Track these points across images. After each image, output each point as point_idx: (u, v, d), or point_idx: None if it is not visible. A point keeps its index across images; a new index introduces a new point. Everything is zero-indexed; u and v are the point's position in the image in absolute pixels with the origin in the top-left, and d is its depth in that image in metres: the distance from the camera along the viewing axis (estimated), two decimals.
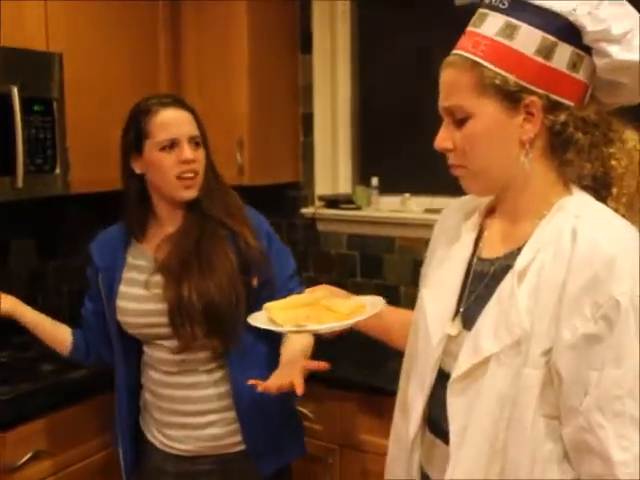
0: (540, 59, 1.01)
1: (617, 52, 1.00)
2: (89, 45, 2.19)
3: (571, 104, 1.03)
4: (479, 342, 1.03)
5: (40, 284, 2.51)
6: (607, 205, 1.07)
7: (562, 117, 1.03)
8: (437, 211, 2.40)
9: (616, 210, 1.06)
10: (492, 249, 1.13)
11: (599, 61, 1.02)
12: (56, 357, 1.81)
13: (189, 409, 1.62)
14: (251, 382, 1.43)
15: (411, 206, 2.62)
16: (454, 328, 1.11)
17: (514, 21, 1.02)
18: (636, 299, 0.93)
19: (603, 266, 0.94)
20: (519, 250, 1.05)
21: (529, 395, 0.98)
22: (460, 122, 1.06)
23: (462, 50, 1.06)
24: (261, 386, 1.42)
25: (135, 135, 1.60)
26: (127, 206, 1.66)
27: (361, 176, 2.83)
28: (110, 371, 1.75)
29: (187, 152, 1.57)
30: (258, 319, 1.30)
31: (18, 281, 2.43)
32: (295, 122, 2.79)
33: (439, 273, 1.19)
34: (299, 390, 1.39)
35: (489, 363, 1.02)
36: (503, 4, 1.03)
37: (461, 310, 1.12)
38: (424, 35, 2.56)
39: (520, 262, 1.03)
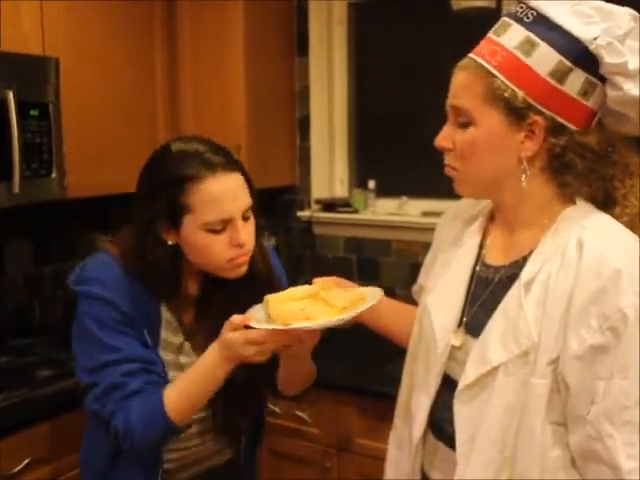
0: (553, 81, 1.00)
1: (630, 87, 0.99)
2: (85, 49, 2.18)
3: (575, 128, 1.02)
4: (487, 352, 1.04)
5: (36, 289, 2.50)
6: None
7: (562, 141, 1.02)
8: (434, 214, 2.44)
9: None
10: (496, 255, 1.14)
11: (611, 92, 1.02)
12: (54, 363, 1.79)
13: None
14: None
15: (408, 209, 2.62)
16: (458, 338, 1.11)
17: (535, 38, 1.01)
18: None
19: (610, 278, 0.95)
20: (524, 259, 1.06)
21: (537, 403, 0.99)
22: (463, 125, 1.06)
23: (478, 56, 1.05)
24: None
25: (169, 207, 1.23)
26: (150, 270, 1.28)
27: (358, 179, 2.83)
28: None
29: (242, 234, 1.24)
30: (253, 314, 1.20)
31: (14, 286, 2.42)
32: (292, 125, 2.79)
33: (443, 278, 1.19)
34: None
35: (497, 372, 1.02)
36: (528, 17, 1.02)
37: (466, 317, 1.13)
38: (421, 39, 2.57)
39: (526, 273, 1.03)
